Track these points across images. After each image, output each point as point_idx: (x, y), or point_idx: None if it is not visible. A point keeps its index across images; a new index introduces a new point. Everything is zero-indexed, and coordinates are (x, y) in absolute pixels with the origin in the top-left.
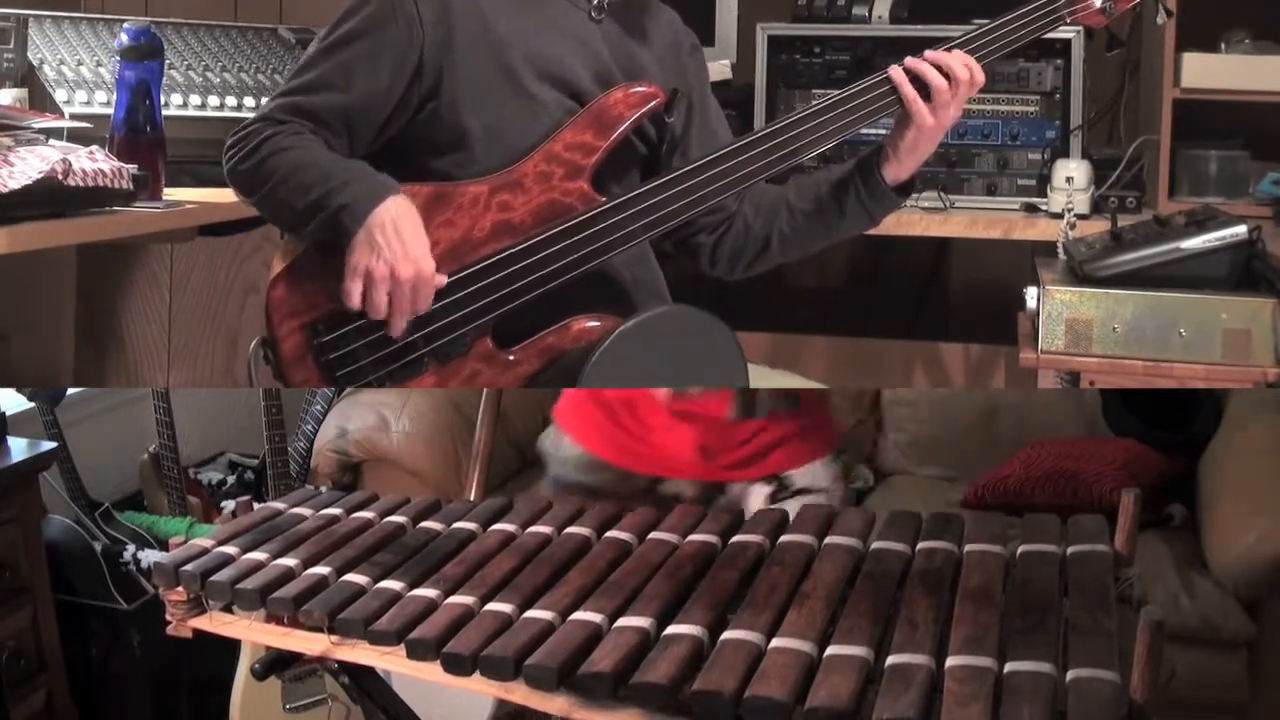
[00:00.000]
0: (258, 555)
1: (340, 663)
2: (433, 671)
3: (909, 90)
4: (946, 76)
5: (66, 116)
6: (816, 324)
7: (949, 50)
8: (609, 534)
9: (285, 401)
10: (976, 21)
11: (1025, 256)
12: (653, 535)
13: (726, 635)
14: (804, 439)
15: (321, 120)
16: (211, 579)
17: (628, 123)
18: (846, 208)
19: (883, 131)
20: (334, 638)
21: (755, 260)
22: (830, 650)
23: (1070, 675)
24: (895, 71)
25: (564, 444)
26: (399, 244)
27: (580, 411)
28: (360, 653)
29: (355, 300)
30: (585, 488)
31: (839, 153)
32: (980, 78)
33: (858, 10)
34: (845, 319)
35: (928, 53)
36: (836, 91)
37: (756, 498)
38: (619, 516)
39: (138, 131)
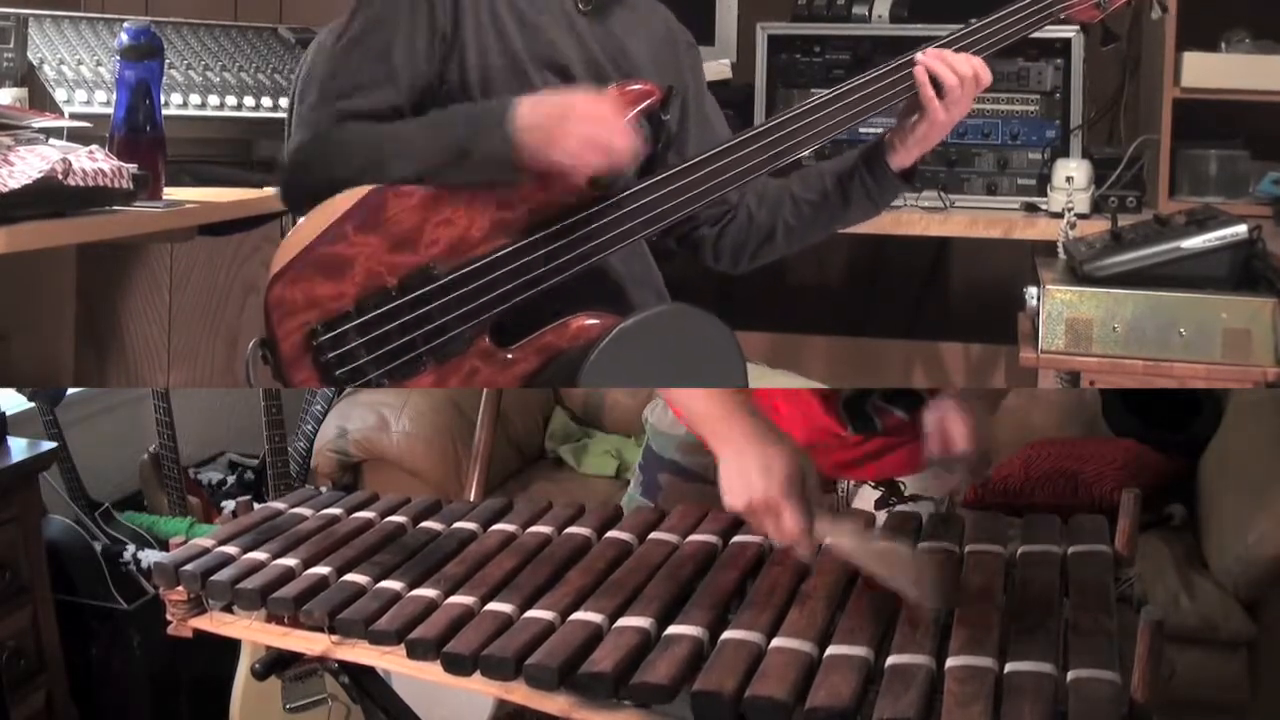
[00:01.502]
0: (258, 555)
1: (340, 662)
2: (433, 671)
3: (929, 90)
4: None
5: (66, 116)
6: (816, 324)
7: (948, 50)
8: (609, 534)
9: (285, 401)
10: (972, 21)
11: (1025, 256)
12: (653, 535)
13: (727, 635)
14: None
15: (371, 118)
16: (212, 579)
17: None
18: (852, 197)
19: (873, 130)
20: (334, 637)
21: (758, 252)
22: (830, 650)
23: (1070, 675)
24: (919, 71)
25: (668, 419)
26: (559, 114)
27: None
28: (360, 652)
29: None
30: (682, 469)
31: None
32: (986, 75)
33: (858, 9)
34: (845, 319)
35: (939, 51)
36: (825, 91)
37: (864, 502)
38: (618, 517)
39: (138, 131)
